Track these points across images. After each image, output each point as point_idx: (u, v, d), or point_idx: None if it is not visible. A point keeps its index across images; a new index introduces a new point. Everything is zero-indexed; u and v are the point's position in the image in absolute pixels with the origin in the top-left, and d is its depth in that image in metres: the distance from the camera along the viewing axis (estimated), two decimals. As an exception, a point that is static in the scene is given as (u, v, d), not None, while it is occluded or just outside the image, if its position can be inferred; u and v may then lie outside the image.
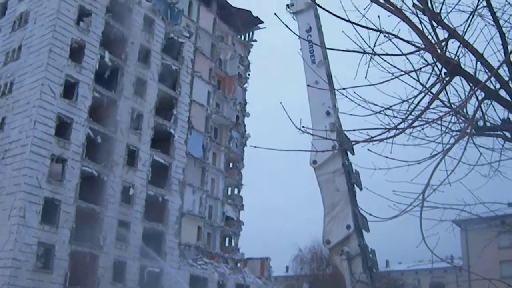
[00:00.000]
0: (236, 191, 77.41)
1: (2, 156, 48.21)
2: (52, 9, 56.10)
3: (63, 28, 55.36)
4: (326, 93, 20.16)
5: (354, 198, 19.72)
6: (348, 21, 7.05)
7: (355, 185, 19.97)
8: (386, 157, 7.44)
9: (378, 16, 7.22)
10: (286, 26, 7.80)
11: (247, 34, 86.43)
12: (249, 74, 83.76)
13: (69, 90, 54.76)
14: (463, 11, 7.56)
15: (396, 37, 7.16)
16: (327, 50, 21.22)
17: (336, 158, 19.78)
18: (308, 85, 20.24)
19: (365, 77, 7.58)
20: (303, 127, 7.85)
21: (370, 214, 8.00)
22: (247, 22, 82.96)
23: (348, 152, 19.92)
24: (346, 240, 19.12)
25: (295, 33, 12.36)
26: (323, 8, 7.18)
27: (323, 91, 20.03)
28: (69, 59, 55.14)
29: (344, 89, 7.69)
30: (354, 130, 7.45)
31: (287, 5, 22.39)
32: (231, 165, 77.89)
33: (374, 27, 7.20)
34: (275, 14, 8.27)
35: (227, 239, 74.74)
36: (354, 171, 19.96)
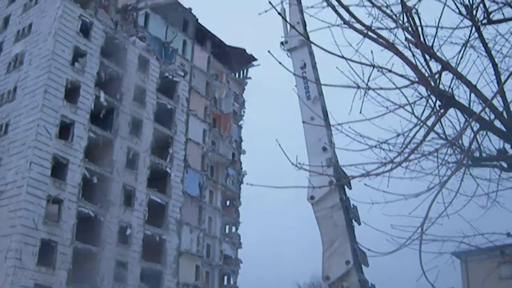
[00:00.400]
0: (233, 229, 77.02)
1: (-2, 198, 48.09)
2: (47, 50, 56.41)
3: (58, 69, 55.58)
4: (322, 129, 20.13)
5: (353, 233, 19.61)
6: (342, 57, 7.09)
7: (353, 220, 19.89)
8: (383, 191, 7.42)
9: (371, 51, 7.26)
10: (280, 63, 7.85)
11: (241, 72, 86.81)
12: (244, 112, 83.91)
13: (65, 130, 54.75)
14: (455, 43, 7.60)
15: (390, 71, 7.18)
16: (322, 86, 21.29)
17: (334, 193, 19.71)
18: (303, 122, 20.26)
19: (360, 112, 7.59)
20: (299, 163, 7.85)
21: (368, 249, 7.98)
22: (242, 60, 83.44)
23: (345, 187, 19.87)
24: (345, 276, 18.96)
25: (289, 70, 12.39)
26: (317, 45, 7.22)
27: (319, 127, 20.04)
28: (64, 100, 55.26)
29: (339, 124, 7.70)
30: (350, 165, 7.47)
31: (281, 43, 22.48)
32: (228, 203, 77.58)
33: (367, 62, 7.23)
34: (268, 51, 8.31)
35: (225, 277, 74.14)
36: (352, 205, 19.90)
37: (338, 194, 19.79)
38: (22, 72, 58.45)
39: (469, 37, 7.58)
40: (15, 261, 47.57)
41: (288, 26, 22.54)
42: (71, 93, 56.32)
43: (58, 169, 53.11)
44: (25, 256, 48.22)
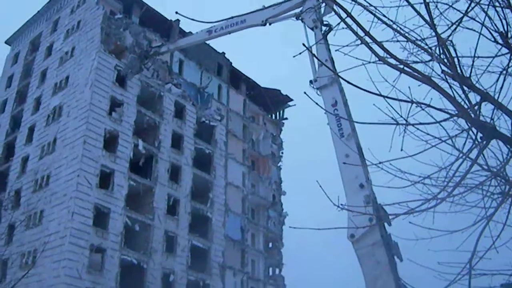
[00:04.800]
0: (277, 271, 76.42)
1: (42, 249, 48.25)
2: (84, 101, 57.23)
3: (96, 119, 56.30)
4: (358, 166, 19.93)
5: (396, 270, 19.26)
6: (380, 95, 7.00)
7: (395, 257, 19.56)
8: (429, 229, 7.27)
9: (409, 88, 7.16)
10: (316, 103, 7.81)
11: (277, 113, 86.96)
12: (282, 153, 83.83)
13: (105, 179, 55.19)
14: (493, 72, 7.45)
15: (429, 106, 7.07)
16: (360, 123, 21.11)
17: (374, 231, 19.38)
18: (344, 163, 20.01)
19: (401, 149, 7.48)
20: (341, 204, 7.76)
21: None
22: (277, 101, 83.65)
23: (385, 224, 19.57)
24: None
25: (322, 108, 12.35)
26: (350, 83, 7.14)
27: (355, 163, 19.84)
28: (104, 149, 55.83)
29: (381, 163, 7.59)
30: (394, 203, 7.32)
31: (310, 81, 22.46)
32: (270, 245, 77.13)
33: (404, 97, 7.13)
34: (305, 93, 8.28)
35: (271, 320, 73.42)
36: (393, 242, 19.59)
37: (379, 231, 19.50)
38: (61, 124, 59.34)
39: (508, 65, 7.42)
40: (60, 312, 47.73)
41: (317, 64, 22.54)
42: (110, 143, 56.92)
43: (100, 218, 53.39)
44: (71, 307, 48.34)
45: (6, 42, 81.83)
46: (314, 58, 22.18)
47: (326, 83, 22.01)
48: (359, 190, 19.86)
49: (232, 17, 28.03)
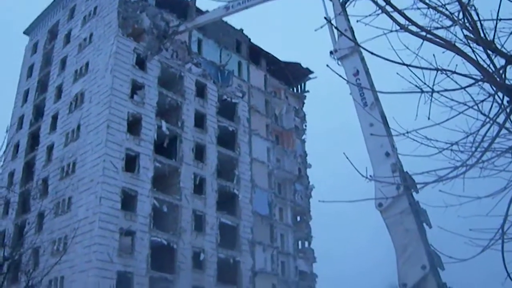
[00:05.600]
0: (306, 244, 76.58)
1: (73, 235, 48.61)
2: (106, 86, 57.42)
3: (118, 103, 56.49)
4: (382, 134, 19.81)
5: (425, 237, 19.17)
6: (403, 63, 6.91)
7: (424, 224, 19.46)
8: (459, 196, 7.19)
9: (434, 55, 7.05)
10: (339, 75, 7.71)
11: (299, 86, 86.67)
12: (305, 126, 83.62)
13: (131, 163, 55.49)
14: (517, 34, 7.30)
15: (454, 72, 6.96)
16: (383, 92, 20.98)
17: (402, 199, 19.31)
18: (371, 134, 19.87)
19: (428, 118, 7.39)
20: (370, 176, 7.70)
21: (450, 257, 7.71)
22: (298, 74, 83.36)
23: (413, 191, 19.46)
24: (423, 281, 18.50)
25: (344, 79, 12.26)
26: (372, 53, 7.03)
27: (379, 132, 19.71)
28: (128, 133, 56.06)
29: (408, 132, 7.50)
30: (423, 172, 7.25)
31: (331, 52, 22.33)
32: (298, 218, 77.22)
33: (427, 65, 7.03)
34: (327, 65, 8.21)
35: (303, 294, 73.65)
36: (421, 209, 19.49)
37: (406, 199, 19.40)
38: (83, 110, 59.63)
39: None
40: (94, 295, 48.26)
41: (336, 35, 22.38)
42: (134, 126, 57.13)
43: (128, 201, 53.76)
44: (104, 290, 48.86)
45: (24, 33, 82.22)
46: (334, 29, 22.03)
47: (346, 53, 21.88)
48: (385, 158, 19.79)
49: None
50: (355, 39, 20.08)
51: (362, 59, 21.66)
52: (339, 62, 22.03)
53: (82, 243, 50.50)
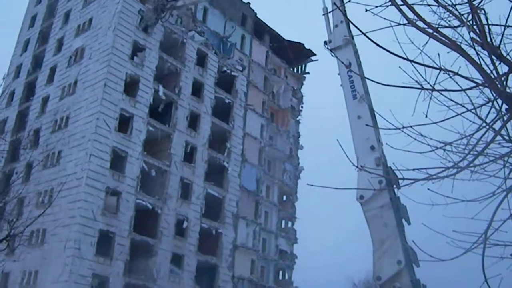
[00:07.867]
0: (289, 224, 76.88)
1: (59, 189, 48.63)
2: (107, 44, 57.18)
3: (117, 63, 56.29)
4: (369, 128, 19.90)
5: (403, 233, 19.37)
6: (407, 59, 6.93)
7: (403, 220, 19.64)
8: (447, 196, 7.25)
9: (438, 54, 7.08)
10: (342, 62, 7.73)
11: (299, 67, 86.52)
12: (302, 107, 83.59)
13: (124, 124, 55.45)
14: (524, 43, 7.32)
15: (456, 74, 6.99)
16: (367, 85, 21.07)
17: (383, 193, 19.47)
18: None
19: (426, 116, 7.43)
20: (361, 166, 7.77)
21: (430, 256, 7.78)
22: (300, 55, 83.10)
23: (394, 187, 19.60)
24: (397, 276, 18.73)
25: (348, 67, 12.24)
26: (378, 45, 7.04)
27: (366, 126, 19.79)
28: (124, 94, 55.95)
29: (404, 127, 7.54)
30: (414, 169, 7.29)
31: (325, 42, 22.33)
32: (284, 198, 77.49)
33: (430, 62, 7.06)
34: (330, 50, 8.22)
35: (280, 272, 74.01)
36: (401, 205, 19.67)
37: (388, 194, 19.56)
38: (82, 66, 59.44)
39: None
40: (74, 251, 48.40)
41: (331, 25, 22.37)
42: (131, 87, 57.00)
43: (117, 161, 53.83)
44: (84, 246, 49.02)
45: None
46: (329, 20, 22.06)
47: (340, 44, 21.89)
48: (370, 152, 19.94)
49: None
50: (351, 31, 20.17)
51: (356, 52, 21.66)
52: (333, 53, 22.02)
53: (68, 198, 50.53)
